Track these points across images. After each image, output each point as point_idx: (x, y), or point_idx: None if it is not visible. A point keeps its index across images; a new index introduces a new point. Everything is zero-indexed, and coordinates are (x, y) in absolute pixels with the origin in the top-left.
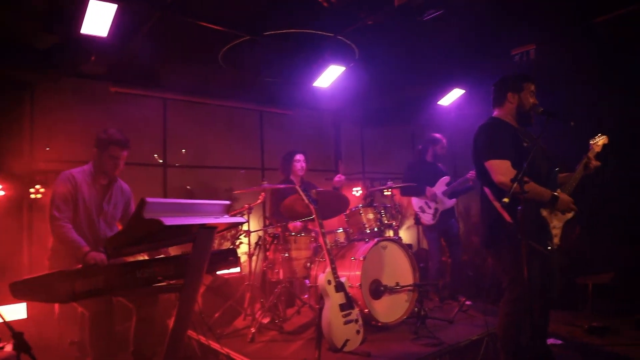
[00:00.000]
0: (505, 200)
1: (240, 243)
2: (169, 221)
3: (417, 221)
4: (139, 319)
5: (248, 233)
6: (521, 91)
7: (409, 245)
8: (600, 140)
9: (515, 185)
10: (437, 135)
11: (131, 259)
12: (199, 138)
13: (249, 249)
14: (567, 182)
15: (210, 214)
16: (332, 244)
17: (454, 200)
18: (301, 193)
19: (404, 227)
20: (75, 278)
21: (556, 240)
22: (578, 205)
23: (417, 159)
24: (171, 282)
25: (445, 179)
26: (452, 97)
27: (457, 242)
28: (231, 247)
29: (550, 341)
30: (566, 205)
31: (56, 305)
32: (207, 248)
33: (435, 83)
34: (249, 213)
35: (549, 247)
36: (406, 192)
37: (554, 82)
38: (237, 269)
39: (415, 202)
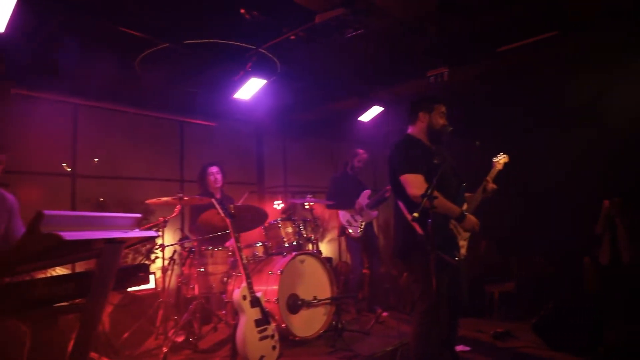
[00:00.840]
0: (416, 215)
1: (156, 257)
2: (69, 236)
3: (342, 232)
4: (35, 345)
5: (163, 247)
6: (432, 112)
7: (328, 259)
8: (502, 159)
9: (425, 200)
10: (359, 149)
11: (41, 274)
12: (113, 147)
13: (163, 263)
14: (470, 202)
15: (118, 227)
16: (250, 258)
17: (375, 212)
18: (217, 206)
19: (325, 240)
20: None
21: (463, 251)
22: (483, 220)
23: (341, 173)
24: (74, 301)
25: (367, 192)
26: (372, 113)
27: (377, 254)
28: (144, 262)
29: (459, 348)
30: (471, 225)
31: None
32: (113, 264)
33: (357, 99)
34: (163, 226)
35: (457, 258)
36: (333, 205)
37: (465, 103)
38: (151, 285)
39: (342, 215)
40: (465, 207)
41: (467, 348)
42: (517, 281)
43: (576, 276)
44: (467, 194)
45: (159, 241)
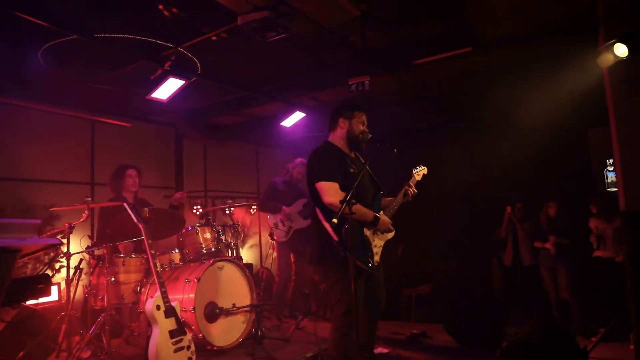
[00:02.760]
0: (335, 220)
1: (61, 267)
2: None
3: (272, 237)
4: None
5: (68, 255)
6: (352, 119)
7: (249, 265)
8: (421, 171)
9: (344, 206)
10: (298, 159)
11: None
12: (12, 146)
13: (68, 273)
14: (389, 206)
15: (11, 234)
16: (166, 266)
17: (308, 221)
18: (129, 211)
19: (246, 246)
20: None
21: (377, 258)
22: (400, 226)
23: (279, 179)
24: None
25: (303, 200)
26: (294, 119)
27: (303, 260)
28: (46, 272)
29: (377, 350)
30: (385, 226)
31: None
32: (3, 276)
33: (280, 104)
34: (69, 233)
35: (370, 265)
36: (264, 208)
37: (386, 112)
38: (53, 298)
39: (271, 218)
40: (380, 214)
41: (386, 350)
42: (433, 284)
43: (486, 277)
44: (386, 199)
45: (64, 249)
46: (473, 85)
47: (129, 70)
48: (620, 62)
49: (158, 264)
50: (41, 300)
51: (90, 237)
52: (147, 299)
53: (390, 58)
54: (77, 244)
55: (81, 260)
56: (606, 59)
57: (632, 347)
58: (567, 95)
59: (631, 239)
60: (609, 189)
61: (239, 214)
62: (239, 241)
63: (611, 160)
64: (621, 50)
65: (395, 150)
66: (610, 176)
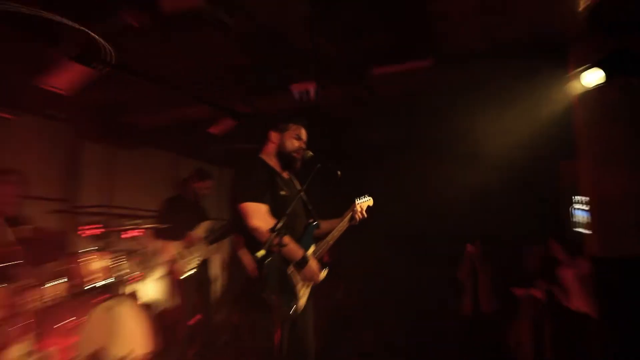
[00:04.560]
0: (262, 252)
1: None
2: None
3: (172, 274)
4: None
5: None
6: (285, 131)
7: (155, 301)
8: (365, 202)
9: (273, 236)
10: (202, 170)
11: None
12: None
13: None
14: (331, 229)
15: None
16: (47, 300)
17: (214, 248)
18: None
19: (152, 278)
20: None
21: (302, 301)
22: (342, 257)
23: (177, 195)
24: None
25: (207, 223)
26: (224, 125)
27: (212, 297)
28: None
29: None
30: (311, 274)
31: None
32: None
33: (208, 108)
34: None
35: (293, 309)
36: (161, 235)
37: (334, 125)
38: None
39: (172, 247)
40: (312, 249)
41: None
42: (375, 332)
43: (440, 329)
44: (328, 221)
45: None
46: (434, 107)
47: (22, 49)
48: (591, 89)
49: (34, 298)
50: None
51: None
52: (10, 345)
53: (342, 68)
54: None
55: None
56: (576, 86)
57: None
58: (537, 124)
59: (604, 289)
60: (574, 229)
61: (148, 237)
62: (145, 271)
63: (578, 197)
64: (594, 76)
65: (339, 172)
66: (577, 215)
